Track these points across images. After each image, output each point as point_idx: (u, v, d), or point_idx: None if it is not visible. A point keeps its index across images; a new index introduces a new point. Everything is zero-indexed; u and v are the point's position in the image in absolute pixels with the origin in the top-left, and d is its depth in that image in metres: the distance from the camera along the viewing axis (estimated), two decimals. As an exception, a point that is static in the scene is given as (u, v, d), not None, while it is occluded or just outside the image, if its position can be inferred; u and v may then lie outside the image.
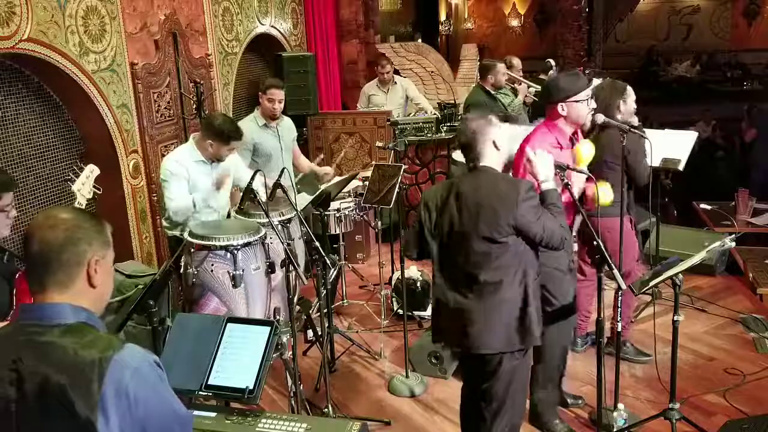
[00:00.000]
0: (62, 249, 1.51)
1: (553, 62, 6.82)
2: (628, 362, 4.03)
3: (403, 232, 4.16)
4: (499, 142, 2.75)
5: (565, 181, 2.92)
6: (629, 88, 3.93)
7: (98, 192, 3.09)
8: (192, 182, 3.84)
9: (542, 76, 6.99)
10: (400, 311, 4.40)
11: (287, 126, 4.89)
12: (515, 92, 6.18)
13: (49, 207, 4.20)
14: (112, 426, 1.42)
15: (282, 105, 4.71)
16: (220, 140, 3.80)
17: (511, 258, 2.70)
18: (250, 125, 4.63)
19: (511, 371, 2.80)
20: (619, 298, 3.32)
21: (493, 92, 5.75)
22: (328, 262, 3.46)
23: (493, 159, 2.76)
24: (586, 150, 3.22)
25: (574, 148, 3.28)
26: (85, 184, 2.98)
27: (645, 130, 3.88)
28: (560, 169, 2.91)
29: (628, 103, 3.88)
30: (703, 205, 5.91)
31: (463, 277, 2.77)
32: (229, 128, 3.83)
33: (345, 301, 5.13)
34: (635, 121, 3.90)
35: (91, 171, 3.06)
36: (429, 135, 6.51)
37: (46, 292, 1.52)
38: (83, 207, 2.88)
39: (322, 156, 5.70)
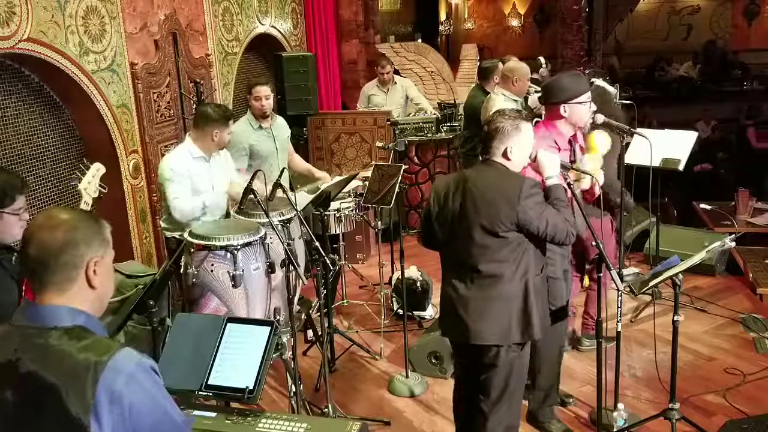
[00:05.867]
0: (61, 251, 1.50)
1: (543, 60, 6.80)
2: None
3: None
4: (512, 151, 2.74)
5: (568, 180, 2.92)
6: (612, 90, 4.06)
7: (104, 191, 3.08)
8: (193, 181, 3.84)
9: (534, 75, 6.98)
10: (400, 311, 4.40)
11: (281, 125, 4.86)
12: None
13: (48, 207, 4.20)
14: (105, 431, 1.41)
15: (270, 102, 4.63)
16: (223, 124, 3.85)
17: (511, 252, 2.71)
18: (244, 127, 4.59)
19: (510, 364, 2.81)
20: (619, 298, 3.32)
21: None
22: (328, 262, 3.46)
23: (501, 160, 2.78)
24: (602, 141, 3.23)
25: (588, 137, 3.27)
26: (91, 183, 2.97)
27: (645, 130, 3.91)
28: (565, 168, 2.92)
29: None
30: (703, 205, 5.91)
31: (463, 269, 2.79)
32: (225, 110, 3.97)
33: (345, 301, 5.13)
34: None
35: (97, 170, 3.05)
36: (429, 135, 6.52)
37: (45, 293, 1.52)
38: (90, 206, 2.88)
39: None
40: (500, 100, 4.86)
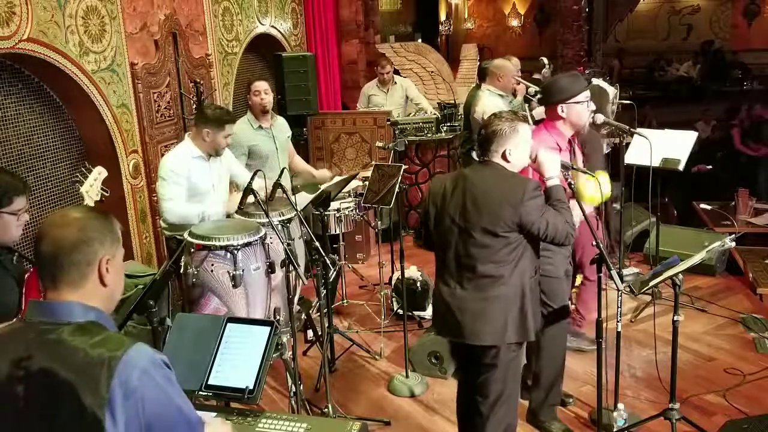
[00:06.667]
0: (74, 248, 1.53)
1: (546, 60, 6.80)
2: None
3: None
4: (511, 153, 2.74)
5: (569, 180, 2.92)
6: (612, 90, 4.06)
7: (106, 194, 3.10)
8: (192, 182, 3.84)
9: (536, 75, 6.98)
10: (400, 311, 4.40)
11: (281, 126, 4.85)
12: (514, 93, 6.16)
13: (48, 207, 4.20)
14: (119, 425, 1.43)
15: (270, 97, 4.62)
16: (216, 126, 3.80)
17: (509, 254, 2.71)
18: (243, 128, 4.57)
19: (507, 364, 2.81)
20: (619, 298, 3.32)
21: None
22: (328, 262, 3.46)
23: (500, 161, 2.78)
24: (589, 187, 3.07)
25: (577, 186, 3.20)
26: (93, 186, 3.00)
27: (645, 130, 3.91)
28: (565, 168, 2.92)
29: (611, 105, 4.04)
30: (703, 205, 5.91)
31: (462, 269, 2.79)
32: (222, 113, 3.89)
33: (345, 301, 5.13)
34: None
35: (99, 173, 3.08)
36: (429, 135, 6.53)
37: (58, 290, 1.54)
38: None
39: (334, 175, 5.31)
40: (486, 95, 5.12)
